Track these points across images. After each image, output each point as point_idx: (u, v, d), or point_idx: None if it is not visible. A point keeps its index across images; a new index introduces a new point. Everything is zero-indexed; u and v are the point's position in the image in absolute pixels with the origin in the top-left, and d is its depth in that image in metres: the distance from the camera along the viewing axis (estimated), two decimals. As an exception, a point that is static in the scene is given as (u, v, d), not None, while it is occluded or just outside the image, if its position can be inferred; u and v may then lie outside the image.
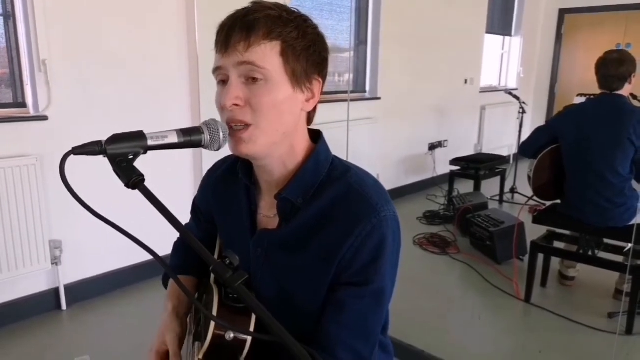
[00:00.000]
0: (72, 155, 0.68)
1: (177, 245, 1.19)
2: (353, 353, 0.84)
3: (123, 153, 0.70)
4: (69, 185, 0.67)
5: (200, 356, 0.85)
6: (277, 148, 0.85)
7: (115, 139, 0.70)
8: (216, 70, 0.83)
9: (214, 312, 0.85)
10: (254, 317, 0.86)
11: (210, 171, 1.10)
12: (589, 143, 2.61)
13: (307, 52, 0.83)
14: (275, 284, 0.91)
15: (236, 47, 0.79)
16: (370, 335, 0.87)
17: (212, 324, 0.83)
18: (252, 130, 0.81)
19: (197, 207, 1.15)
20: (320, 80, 0.87)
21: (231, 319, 0.85)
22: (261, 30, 0.79)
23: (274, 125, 0.82)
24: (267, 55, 0.79)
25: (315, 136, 0.93)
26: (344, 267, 0.83)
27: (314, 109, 0.90)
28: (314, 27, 0.85)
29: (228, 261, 0.65)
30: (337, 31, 4.23)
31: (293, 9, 0.84)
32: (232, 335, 0.83)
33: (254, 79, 0.80)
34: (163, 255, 0.68)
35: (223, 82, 0.83)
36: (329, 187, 0.87)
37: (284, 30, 0.80)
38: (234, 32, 0.79)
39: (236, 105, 0.80)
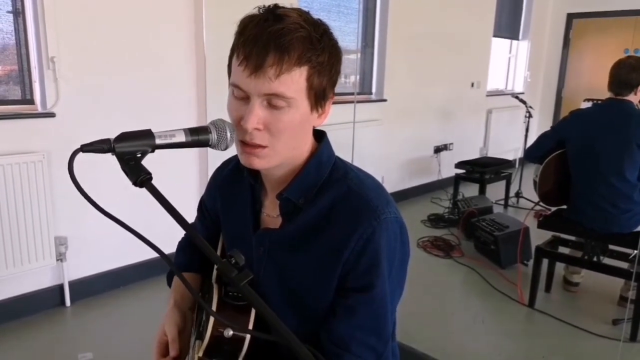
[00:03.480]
0: (80, 153, 0.68)
1: (181, 243, 1.20)
2: (368, 347, 0.86)
3: (131, 151, 0.70)
4: (77, 182, 0.67)
5: (200, 354, 0.86)
6: (285, 159, 0.86)
7: (124, 137, 0.71)
8: (236, 87, 0.79)
9: (213, 310, 0.86)
10: (252, 314, 0.87)
11: (217, 170, 1.11)
12: (595, 148, 2.60)
13: (329, 73, 0.82)
14: (276, 283, 0.92)
15: (266, 72, 0.75)
16: (382, 332, 0.88)
17: (211, 321, 0.83)
18: (268, 151, 0.82)
19: (205, 205, 1.16)
20: (333, 95, 0.87)
21: (230, 317, 0.86)
22: (294, 56, 0.75)
23: (289, 145, 0.83)
24: (295, 83, 0.77)
25: (319, 136, 0.93)
26: (348, 270, 0.84)
27: None
28: (335, 43, 0.83)
29: (234, 260, 0.65)
30: (344, 33, 4.23)
31: (316, 20, 0.81)
32: (230, 332, 0.83)
33: (278, 106, 0.79)
34: (168, 253, 0.69)
35: (242, 98, 0.80)
36: (330, 188, 0.88)
37: (314, 55, 0.77)
38: (267, 54, 0.75)
39: (256, 129, 0.79)
